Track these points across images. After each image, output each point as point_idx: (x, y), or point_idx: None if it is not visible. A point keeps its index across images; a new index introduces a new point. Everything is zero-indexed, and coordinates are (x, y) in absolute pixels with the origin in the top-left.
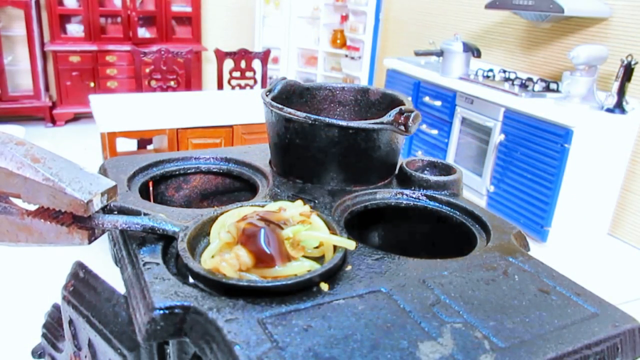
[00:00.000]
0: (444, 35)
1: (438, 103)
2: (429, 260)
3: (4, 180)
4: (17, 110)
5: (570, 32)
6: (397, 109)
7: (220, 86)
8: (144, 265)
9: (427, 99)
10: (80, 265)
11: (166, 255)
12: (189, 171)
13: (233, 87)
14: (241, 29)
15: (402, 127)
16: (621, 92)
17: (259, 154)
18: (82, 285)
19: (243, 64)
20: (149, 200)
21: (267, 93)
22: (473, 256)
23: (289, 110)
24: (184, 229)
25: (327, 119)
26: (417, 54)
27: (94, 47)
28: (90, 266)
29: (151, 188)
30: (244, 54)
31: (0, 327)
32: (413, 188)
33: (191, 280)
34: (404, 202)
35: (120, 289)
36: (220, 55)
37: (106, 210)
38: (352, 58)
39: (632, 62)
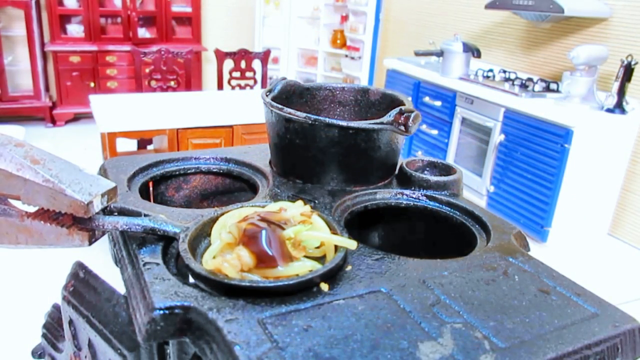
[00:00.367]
0: (444, 35)
1: (438, 103)
2: (429, 261)
3: (3, 182)
4: (17, 110)
5: (570, 32)
6: (397, 109)
7: (220, 86)
8: (144, 265)
9: (427, 99)
10: (80, 266)
11: (166, 256)
12: (189, 171)
13: (233, 87)
14: (241, 29)
15: (402, 127)
16: (621, 92)
17: (259, 154)
18: (82, 285)
19: (243, 64)
20: (149, 201)
21: (267, 93)
22: (473, 256)
23: (289, 110)
24: (184, 230)
25: (327, 119)
26: (417, 54)
27: (94, 47)
28: (91, 266)
29: (151, 188)
30: (244, 54)
31: (0, 327)
32: (413, 188)
33: (191, 280)
34: (404, 202)
35: (120, 289)
36: (220, 56)
37: (106, 211)
38: (352, 58)
39: (632, 62)
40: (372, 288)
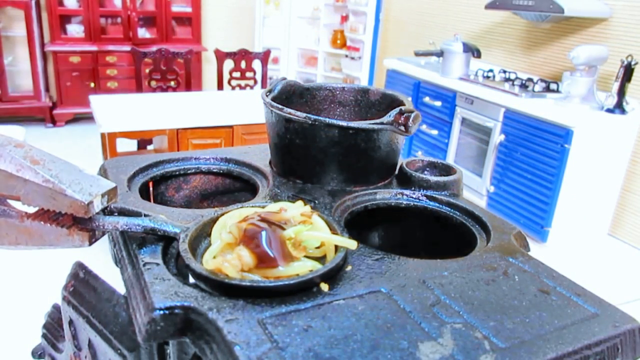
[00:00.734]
0: (444, 35)
1: (438, 103)
2: (429, 261)
3: (3, 183)
4: (17, 110)
5: (570, 32)
6: (397, 109)
7: (220, 86)
8: (144, 265)
9: (427, 99)
10: (80, 266)
11: (166, 256)
12: (189, 171)
13: (233, 88)
14: (241, 29)
15: (402, 128)
16: (621, 93)
17: (259, 154)
18: (82, 285)
19: (243, 64)
20: (149, 201)
21: (267, 93)
22: (473, 256)
23: (289, 110)
24: (184, 230)
25: (327, 119)
26: (417, 54)
27: (94, 48)
28: (90, 266)
29: (151, 188)
30: (244, 54)
31: (0, 327)
32: (413, 188)
33: (191, 280)
34: (404, 202)
35: (120, 289)
36: (220, 56)
37: (106, 211)
38: (352, 58)
39: (632, 63)
40: (372, 288)
